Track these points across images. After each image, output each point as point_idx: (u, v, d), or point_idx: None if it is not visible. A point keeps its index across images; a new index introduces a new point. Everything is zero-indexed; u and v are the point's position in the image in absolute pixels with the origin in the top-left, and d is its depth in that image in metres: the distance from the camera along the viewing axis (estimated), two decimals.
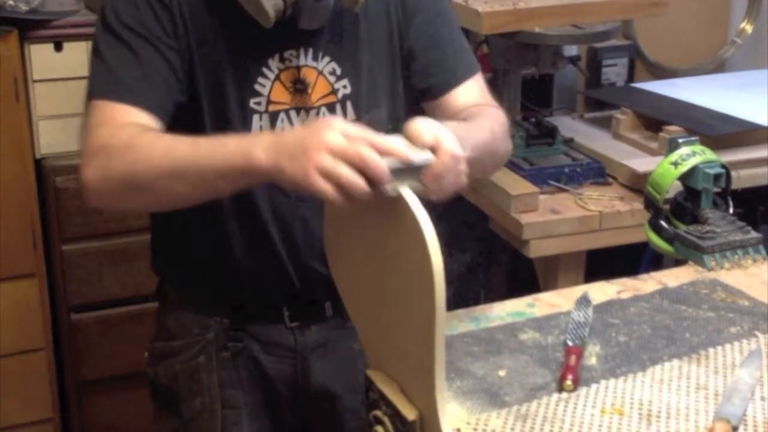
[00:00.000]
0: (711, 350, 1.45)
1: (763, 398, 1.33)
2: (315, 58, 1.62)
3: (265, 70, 1.59)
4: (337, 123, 1.26)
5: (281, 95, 1.61)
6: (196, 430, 1.73)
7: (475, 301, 1.67)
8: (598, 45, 3.06)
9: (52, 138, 2.54)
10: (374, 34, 1.67)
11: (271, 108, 1.60)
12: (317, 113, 1.63)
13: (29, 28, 2.45)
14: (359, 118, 1.65)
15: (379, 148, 1.23)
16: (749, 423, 1.28)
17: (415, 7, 1.68)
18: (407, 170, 1.25)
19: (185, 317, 1.74)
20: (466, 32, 2.90)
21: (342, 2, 1.58)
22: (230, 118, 1.59)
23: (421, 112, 1.65)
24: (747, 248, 1.71)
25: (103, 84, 1.53)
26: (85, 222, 2.58)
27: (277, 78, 1.60)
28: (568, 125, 2.76)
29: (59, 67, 2.50)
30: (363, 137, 1.24)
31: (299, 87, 1.62)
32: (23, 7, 2.44)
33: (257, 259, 1.67)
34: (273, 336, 1.72)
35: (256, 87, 1.59)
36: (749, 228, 1.73)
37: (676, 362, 1.42)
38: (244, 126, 1.59)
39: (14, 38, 2.42)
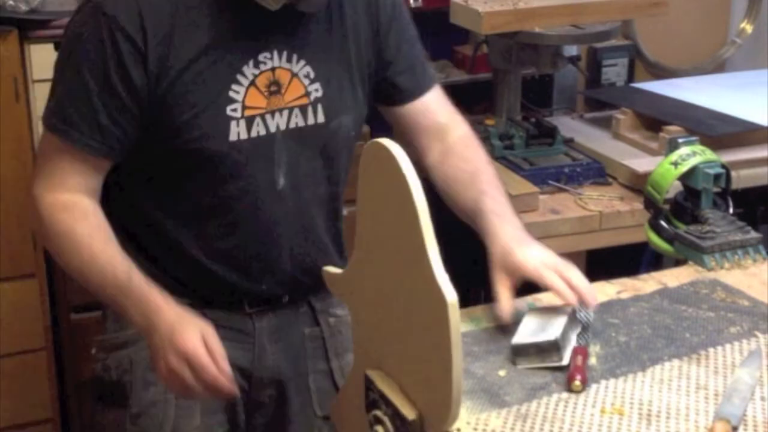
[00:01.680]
0: (711, 350, 1.45)
1: (763, 398, 1.33)
2: (289, 60, 1.65)
3: (239, 77, 1.62)
4: (192, 343, 1.51)
5: (256, 100, 1.63)
6: (146, 422, 1.71)
7: (475, 301, 1.66)
8: (598, 45, 3.06)
9: None
10: (347, 44, 1.71)
11: (247, 113, 1.63)
12: (290, 114, 1.66)
13: (29, 28, 2.45)
14: (328, 122, 1.69)
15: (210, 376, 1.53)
16: (749, 423, 1.28)
17: (389, 19, 1.75)
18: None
19: None
20: (467, 32, 2.92)
21: None
22: (207, 127, 1.61)
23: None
24: (747, 248, 1.71)
25: (56, 118, 1.61)
26: None
27: (252, 83, 1.62)
28: (568, 125, 2.76)
29: None
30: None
31: (273, 89, 1.64)
32: (23, 7, 2.44)
33: (220, 260, 1.70)
34: (232, 322, 1.74)
35: (231, 94, 1.62)
36: (749, 228, 1.73)
37: (676, 362, 1.42)
38: (222, 134, 1.62)
39: (14, 38, 2.42)
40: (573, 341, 1.45)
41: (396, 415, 1.26)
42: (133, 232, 1.72)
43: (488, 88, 2.81)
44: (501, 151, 2.54)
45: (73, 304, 2.63)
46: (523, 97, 2.82)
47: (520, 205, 2.31)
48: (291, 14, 1.61)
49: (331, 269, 1.45)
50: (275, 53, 1.63)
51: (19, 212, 2.50)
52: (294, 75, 1.66)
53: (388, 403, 1.28)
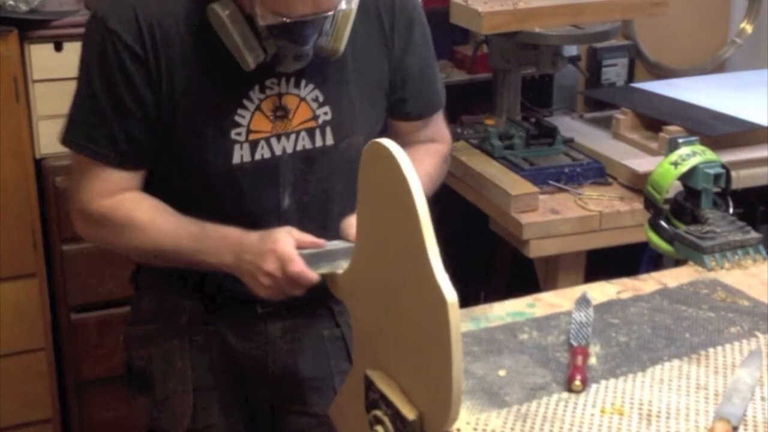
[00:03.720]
0: (711, 350, 1.45)
1: (763, 398, 1.33)
2: (297, 86, 1.66)
3: (245, 101, 1.63)
4: (280, 250, 1.54)
5: (261, 124, 1.65)
6: (169, 410, 1.79)
7: (475, 301, 1.66)
8: (598, 45, 3.07)
9: (52, 138, 2.52)
10: (363, 64, 1.72)
11: (251, 137, 1.65)
12: (296, 137, 1.67)
13: (29, 28, 2.45)
14: (337, 144, 1.70)
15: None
16: (749, 423, 1.28)
17: (406, 39, 1.76)
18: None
19: (160, 302, 1.80)
20: (467, 32, 2.92)
21: (321, 52, 1.62)
22: (209, 150, 1.64)
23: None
24: (747, 248, 1.71)
25: (75, 134, 1.67)
26: None
27: (258, 108, 1.64)
28: (568, 125, 2.76)
29: (59, 67, 2.50)
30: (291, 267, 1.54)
31: (279, 114, 1.66)
32: (23, 7, 2.44)
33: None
34: (244, 321, 1.77)
35: (236, 118, 1.64)
36: (749, 228, 1.73)
37: (676, 362, 1.42)
38: (226, 157, 1.64)
39: (14, 38, 2.42)
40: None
41: (396, 416, 1.26)
42: None
43: (488, 88, 2.81)
44: (501, 151, 2.54)
45: (73, 304, 2.63)
46: (523, 97, 2.82)
47: (520, 205, 2.32)
48: None
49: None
50: (282, 79, 1.65)
51: (19, 212, 2.50)
52: (302, 99, 1.67)
53: (388, 404, 1.28)
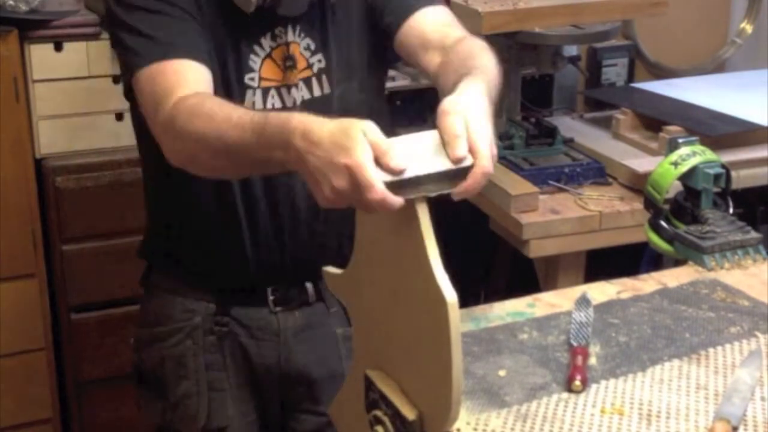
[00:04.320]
0: (711, 350, 1.45)
1: (763, 398, 1.33)
2: (295, 34, 1.66)
3: (256, 47, 1.63)
4: (358, 161, 1.19)
5: (272, 72, 1.64)
6: (183, 412, 1.78)
7: (475, 301, 1.67)
8: (598, 45, 3.06)
9: (52, 138, 2.54)
10: (343, 6, 1.69)
11: (263, 84, 1.64)
12: (297, 88, 1.67)
13: (29, 28, 2.45)
14: (333, 91, 1.68)
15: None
16: (749, 423, 1.28)
17: None
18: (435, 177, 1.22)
19: (171, 303, 1.78)
20: None
21: None
22: (231, 90, 1.62)
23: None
24: (747, 248, 1.71)
25: (147, 49, 1.54)
26: (85, 222, 2.58)
27: (269, 55, 1.63)
28: (568, 125, 2.76)
29: (59, 67, 2.50)
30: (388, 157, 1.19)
31: (289, 64, 1.65)
32: (23, 7, 2.44)
33: (241, 236, 1.70)
34: (257, 320, 1.77)
35: (250, 63, 1.63)
36: (749, 228, 1.73)
37: (676, 362, 1.42)
38: (240, 99, 1.62)
39: (14, 38, 2.42)
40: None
41: (396, 416, 1.26)
42: (168, 223, 1.74)
43: None
44: (501, 151, 2.54)
45: (73, 304, 2.63)
46: (523, 97, 2.82)
47: (520, 205, 2.32)
48: None
49: (330, 269, 1.45)
50: (288, 27, 1.64)
51: (19, 212, 2.50)
52: (299, 47, 1.67)
53: (388, 404, 1.28)
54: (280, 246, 1.72)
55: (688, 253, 1.72)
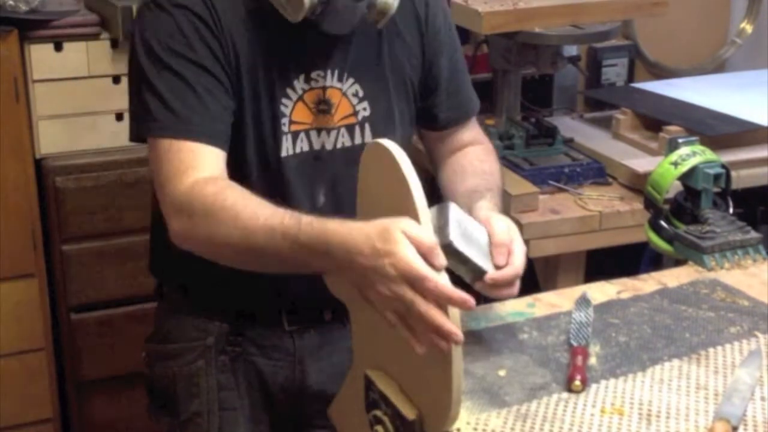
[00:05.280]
0: (711, 350, 1.45)
1: (763, 398, 1.33)
2: (340, 79, 1.62)
3: (289, 90, 1.59)
4: (404, 260, 1.21)
5: (303, 115, 1.60)
6: (193, 430, 1.74)
7: (476, 301, 1.66)
8: (598, 45, 3.06)
9: (52, 138, 2.54)
10: (395, 62, 1.67)
11: (293, 128, 1.60)
12: (337, 134, 1.63)
13: (29, 28, 2.44)
14: None
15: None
16: (749, 423, 1.28)
17: (437, 41, 1.71)
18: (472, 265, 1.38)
19: (184, 321, 1.74)
20: (467, 32, 2.91)
21: (371, 10, 1.56)
22: (265, 137, 1.59)
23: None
24: (747, 248, 1.71)
25: (165, 121, 1.51)
26: (85, 222, 2.58)
27: (300, 98, 1.59)
28: (568, 125, 2.75)
29: (59, 67, 2.50)
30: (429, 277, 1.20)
31: (323, 108, 1.61)
32: (23, 7, 2.43)
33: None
34: (271, 340, 1.72)
35: (281, 108, 1.59)
36: (749, 228, 1.73)
37: (676, 362, 1.42)
38: (276, 145, 1.59)
39: (14, 38, 2.42)
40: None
41: (396, 416, 1.26)
42: (170, 256, 1.66)
43: (488, 88, 2.80)
44: (501, 151, 2.53)
45: (73, 304, 2.63)
46: (523, 97, 2.81)
47: (520, 205, 2.31)
48: (345, 34, 1.59)
49: None
50: (328, 72, 1.61)
51: (19, 212, 2.50)
52: (343, 94, 1.63)
53: (388, 403, 1.28)
54: (299, 277, 1.67)
55: (688, 253, 1.72)
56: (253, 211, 1.40)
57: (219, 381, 1.72)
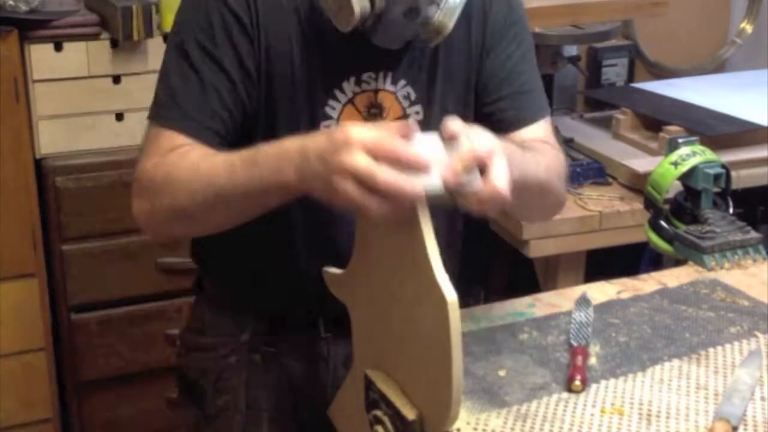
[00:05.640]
0: (711, 350, 1.45)
1: (763, 398, 1.33)
2: (394, 82, 1.56)
3: (337, 92, 1.54)
4: (358, 138, 1.18)
5: (352, 119, 1.54)
6: (217, 426, 1.72)
7: (475, 301, 1.66)
8: (598, 45, 3.06)
9: (52, 138, 2.54)
10: (452, 62, 1.60)
11: None
12: None
13: (29, 28, 2.44)
14: None
15: (410, 163, 1.18)
16: (749, 423, 1.28)
17: (497, 36, 1.62)
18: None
19: (222, 314, 1.71)
20: None
21: (426, 27, 1.48)
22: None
23: None
24: (747, 248, 1.71)
25: (161, 108, 1.51)
26: (85, 222, 2.58)
27: (350, 101, 1.54)
28: (568, 125, 2.76)
29: (59, 67, 2.50)
30: (389, 154, 1.17)
31: (374, 111, 1.56)
32: (23, 7, 2.43)
33: (301, 268, 1.62)
34: (307, 344, 1.69)
35: (327, 110, 1.54)
36: (749, 228, 1.73)
37: (676, 362, 1.42)
38: None
39: (14, 38, 2.42)
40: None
41: (396, 416, 1.26)
42: (218, 244, 1.61)
43: None
44: None
45: (73, 304, 2.63)
46: None
47: None
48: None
49: (331, 269, 1.45)
50: (381, 74, 1.54)
51: (19, 212, 2.50)
52: (395, 97, 1.57)
53: (388, 404, 1.28)
54: None
55: (688, 253, 1.72)
56: (213, 157, 1.39)
57: (249, 380, 1.69)
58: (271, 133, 1.49)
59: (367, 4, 1.43)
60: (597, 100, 3.03)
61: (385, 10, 1.44)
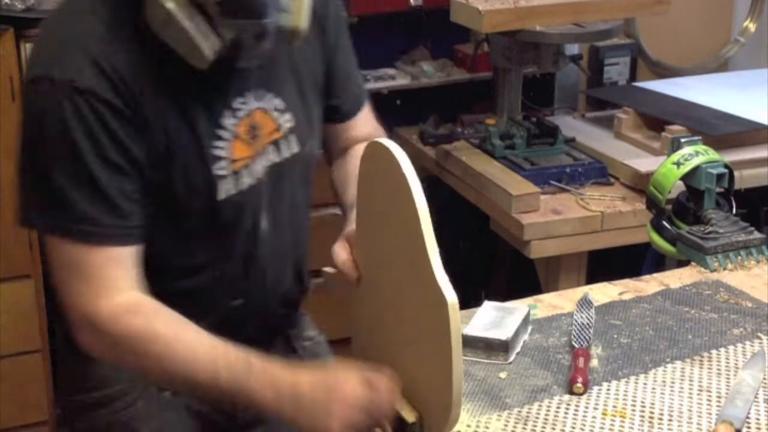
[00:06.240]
0: (714, 352, 1.45)
1: (766, 400, 1.33)
2: (259, 99, 1.52)
3: (220, 132, 1.47)
4: (354, 398, 1.28)
5: (243, 150, 1.50)
6: None
7: (476, 301, 1.65)
8: (600, 44, 3.06)
9: None
10: (307, 63, 1.60)
11: (233, 167, 1.49)
12: (263, 153, 1.52)
13: (25, 26, 2.44)
14: (302, 149, 1.56)
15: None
16: (752, 425, 1.28)
17: (335, 39, 1.64)
18: None
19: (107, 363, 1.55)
20: (467, 30, 2.91)
21: (281, 33, 1.45)
22: (199, 189, 1.47)
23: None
24: (750, 249, 1.71)
25: (67, 220, 1.41)
26: None
27: (235, 135, 1.49)
28: (569, 125, 2.75)
29: None
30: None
31: (255, 133, 1.51)
32: (19, 6, 2.43)
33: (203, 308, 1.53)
34: None
35: (215, 152, 1.47)
36: (752, 228, 1.73)
37: (678, 364, 1.42)
38: (210, 194, 1.47)
39: (10, 37, 2.41)
40: (521, 343, 1.47)
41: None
42: None
43: (489, 87, 2.80)
44: (502, 151, 2.53)
45: None
46: (524, 97, 2.81)
47: (521, 205, 2.31)
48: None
49: (330, 269, 1.45)
50: (246, 94, 1.50)
51: (16, 213, 2.49)
52: (265, 111, 1.53)
53: None
54: (245, 316, 1.57)
55: (690, 253, 1.71)
56: (191, 348, 1.38)
57: (163, 422, 1.57)
58: (167, 186, 1.45)
59: (216, 41, 1.39)
60: (599, 100, 3.03)
61: (236, 43, 1.41)
